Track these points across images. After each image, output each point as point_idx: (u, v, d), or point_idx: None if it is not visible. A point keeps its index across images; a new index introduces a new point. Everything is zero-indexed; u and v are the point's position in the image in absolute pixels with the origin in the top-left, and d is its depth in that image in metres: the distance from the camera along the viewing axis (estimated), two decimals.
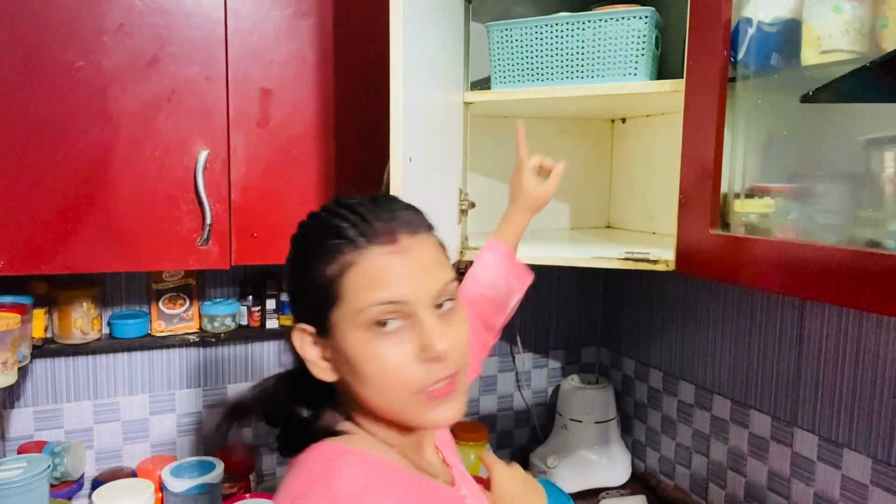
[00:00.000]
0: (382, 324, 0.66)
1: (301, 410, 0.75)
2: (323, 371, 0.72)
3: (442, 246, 0.75)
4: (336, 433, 0.73)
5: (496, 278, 1.10)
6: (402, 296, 0.66)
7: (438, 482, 0.76)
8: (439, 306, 0.69)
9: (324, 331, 0.70)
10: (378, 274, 0.67)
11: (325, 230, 0.70)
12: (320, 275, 0.68)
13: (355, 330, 0.67)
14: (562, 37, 1.23)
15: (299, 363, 0.75)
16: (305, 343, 0.72)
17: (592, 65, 1.23)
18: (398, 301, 0.66)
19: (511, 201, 1.17)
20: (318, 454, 0.70)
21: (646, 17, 1.18)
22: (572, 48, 1.23)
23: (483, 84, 1.44)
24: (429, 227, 0.73)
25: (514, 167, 1.16)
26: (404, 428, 0.73)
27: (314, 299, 0.69)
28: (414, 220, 0.71)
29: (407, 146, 0.98)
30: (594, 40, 1.21)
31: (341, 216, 0.70)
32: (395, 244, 0.68)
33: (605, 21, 1.20)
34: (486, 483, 0.87)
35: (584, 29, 1.21)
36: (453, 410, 0.69)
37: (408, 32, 0.97)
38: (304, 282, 0.71)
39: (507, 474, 0.87)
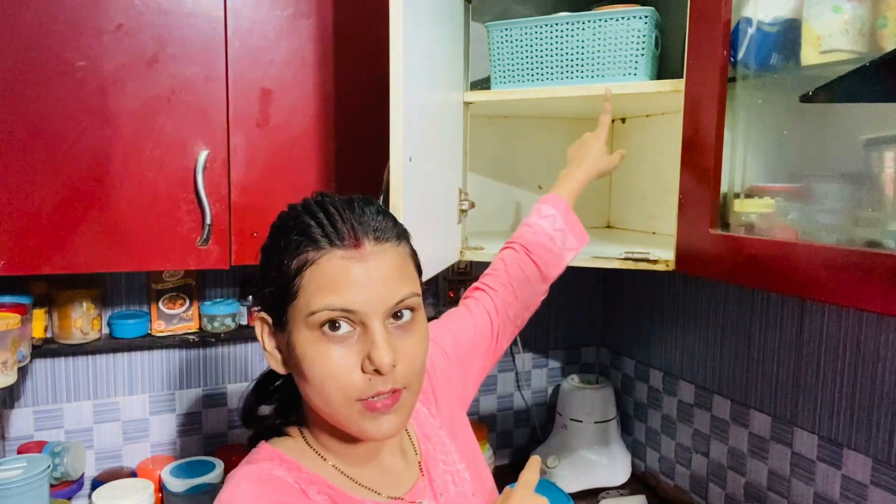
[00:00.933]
0: (333, 327, 0.66)
1: (263, 409, 0.78)
2: (277, 363, 0.73)
3: (412, 256, 0.74)
4: (279, 433, 0.76)
5: (554, 231, 1.10)
6: (355, 304, 0.66)
7: (378, 499, 0.75)
8: (397, 317, 0.69)
9: (280, 324, 0.71)
10: (334, 278, 0.66)
11: (294, 225, 0.69)
12: (282, 269, 0.69)
13: (305, 329, 0.67)
14: (562, 37, 1.23)
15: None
16: (264, 332, 0.73)
17: (592, 65, 1.23)
18: (349, 309, 0.66)
19: (576, 162, 1.18)
20: (248, 456, 0.74)
21: (646, 17, 1.18)
22: (572, 48, 1.23)
23: (483, 84, 1.44)
24: (399, 236, 0.72)
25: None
26: (334, 438, 0.74)
27: (274, 291, 0.70)
28: (383, 227, 0.70)
29: (407, 146, 0.98)
30: (594, 40, 1.21)
31: (312, 213, 0.69)
32: (357, 249, 0.67)
33: (605, 21, 1.20)
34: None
35: (584, 29, 1.21)
36: (391, 425, 0.68)
37: (408, 32, 0.97)
38: (269, 272, 0.71)
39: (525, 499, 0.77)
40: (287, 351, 0.71)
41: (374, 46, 1.28)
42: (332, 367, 0.66)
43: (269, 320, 0.72)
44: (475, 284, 1.06)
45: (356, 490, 0.74)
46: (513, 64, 1.29)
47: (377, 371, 0.66)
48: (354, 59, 1.33)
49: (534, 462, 0.78)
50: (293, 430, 0.77)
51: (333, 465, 0.75)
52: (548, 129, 1.66)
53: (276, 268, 0.69)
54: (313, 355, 0.67)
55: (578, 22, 1.21)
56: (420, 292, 0.72)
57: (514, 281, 1.05)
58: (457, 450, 0.87)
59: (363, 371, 0.66)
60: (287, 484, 0.70)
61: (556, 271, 1.11)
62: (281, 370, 0.73)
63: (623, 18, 1.19)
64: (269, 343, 0.73)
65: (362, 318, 0.66)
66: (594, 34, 1.21)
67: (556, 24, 1.23)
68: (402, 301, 0.68)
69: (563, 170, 1.19)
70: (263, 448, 0.75)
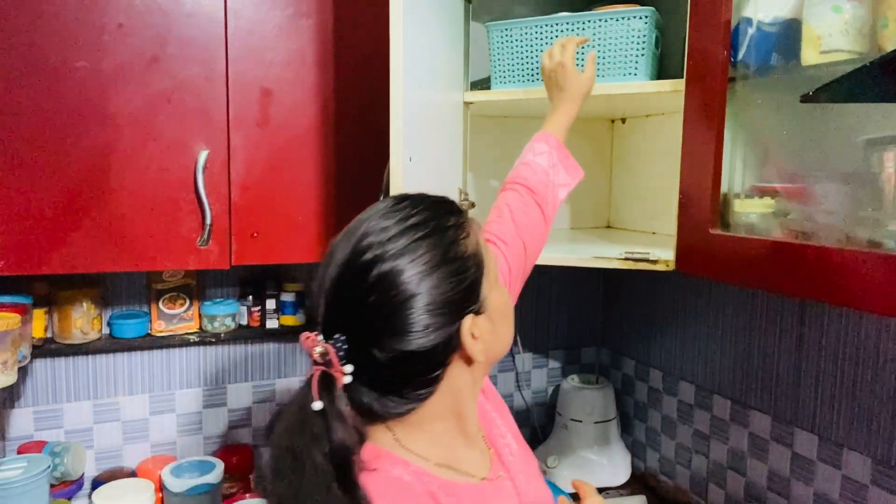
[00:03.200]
0: None
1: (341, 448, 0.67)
2: (480, 352, 0.72)
3: None
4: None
5: (550, 167, 1.08)
6: None
7: (472, 481, 0.76)
8: None
9: (481, 307, 0.72)
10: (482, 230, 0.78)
11: (447, 212, 0.74)
12: (468, 252, 0.72)
13: (495, 286, 0.75)
14: (562, 37, 1.23)
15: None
16: (473, 332, 0.70)
17: None
18: None
19: (557, 93, 1.14)
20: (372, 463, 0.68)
21: (646, 17, 1.18)
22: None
23: (483, 84, 1.44)
24: None
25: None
26: (453, 421, 0.75)
27: (472, 280, 0.71)
28: None
29: (407, 146, 0.98)
30: (594, 40, 1.21)
31: (432, 199, 0.75)
32: None
33: (605, 21, 1.20)
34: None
35: (584, 29, 1.21)
36: None
37: (408, 32, 0.97)
38: (459, 271, 0.70)
39: None
40: (486, 325, 0.72)
41: (374, 46, 1.28)
42: (509, 299, 0.80)
43: (473, 313, 0.71)
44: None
45: (456, 478, 0.74)
46: (513, 64, 1.29)
47: None
48: (354, 59, 1.33)
49: (584, 486, 0.87)
50: (378, 429, 0.72)
51: (436, 464, 0.73)
52: None
53: (462, 259, 0.71)
54: (505, 298, 0.77)
55: (578, 22, 1.21)
56: None
57: (522, 232, 1.01)
58: (503, 423, 0.88)
59: None
60: (416, 491, 0.69)
61: (554, 211, 1.08)
62: (483, 356, 0.72)
63: (623, 18, 1.19)
64: (470, 339, 0.70)
65: None
66: (594, 34, 1.21)
67: (556, 24, 1.23)
68: None
69: (549, 110, 1.16)
70: (373, 448, 0.71)
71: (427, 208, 0.72)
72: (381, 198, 1.33)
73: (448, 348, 0.69)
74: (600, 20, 1.20)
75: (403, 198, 0.74)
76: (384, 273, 0.66)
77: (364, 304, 0.66)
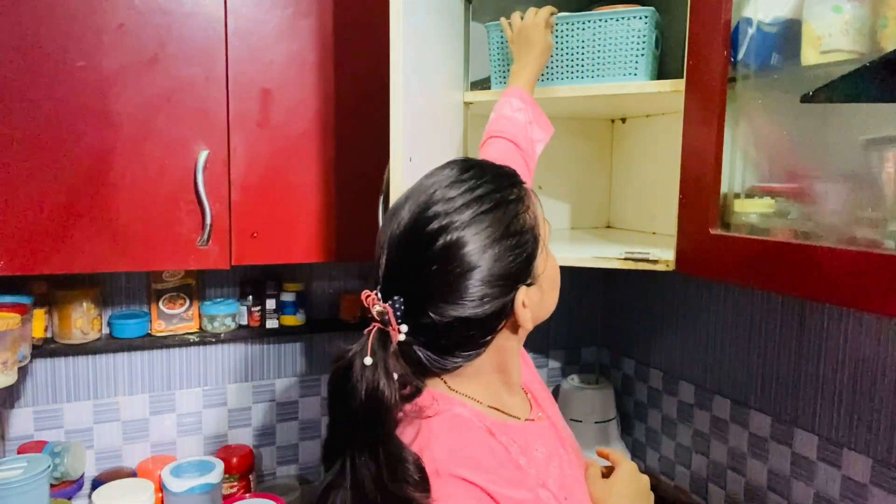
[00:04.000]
0: None
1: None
2: (529, 320, 0.75)
3: None
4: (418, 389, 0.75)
5: (527, 123, 1.11)
6: None
7: (519, 422, 0.80)
8: None
9: (534, 280, 0.74)
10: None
11: (510, 184, 0.74)
12: (526, 226, 0.73)
13: (547, 254, 0.77)
14: (562, 37, 1.23)
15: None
16: (525, 301, 0.73)
17: (592, 65, 1.23)
18: None
19: (528, 49, 1.17)
20: (418, 411, 0.72)
21: (646, 17, 1.18)
22: (572, 48, 1.23)
23: (483, 84, 1.44)
24: None
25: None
26: (498, 374, 0.78)
27: (528, 254, 0.73)
28: None
29: (407, 146, 0.98)
30: (594, 40, 1.21)
31: (496, 169, 0.75)
32: None
33: (605, 21, 1.20)
34: (605, 472, 0.89)
35: (584, 29, 1.21)
36: None
37: (408, 32, 0.97)
38: (518, 245, 0.72)
39: (634, 473, 0.92)
40: (537, 294, 0.75)
41: (374, 46, 1.28)
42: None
43: (526, 285, 0.73)
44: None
45: (505, 419, 0.78)
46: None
47: None
48: (354, 59, 1.33)
49: (613, 453, 0.92)
50: (430, 380, 0.76)
51: (488, 405, 0.77)
52: None
53: (522, 230, 0.72)
54: (555, 265, 0.79)
55: (578, 22, 1.21)
56: None
57: None
58: (529, 373, 0.92)
59: None
60: (476, 426, 0.72)
61: (534, 166, 1.13)
62: (531, 325, 0.75)
63: (623, 18, 1.19)
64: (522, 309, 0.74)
65: None
66: (594, 34, 1.21)
67: (557, 24, 1.23)
68: None
69: (513, 66, 1.19)
70: (430, 392, 0.74)
71: (491, 180, 0.73)
72: (381, 198, 1.33)
73: (501, 316, 0.73)
74: (600, 20, 1.20)
75: (469, 166, 0.75)
76: (449, 244, 0.69)
77: (425, 270, 0.69)
